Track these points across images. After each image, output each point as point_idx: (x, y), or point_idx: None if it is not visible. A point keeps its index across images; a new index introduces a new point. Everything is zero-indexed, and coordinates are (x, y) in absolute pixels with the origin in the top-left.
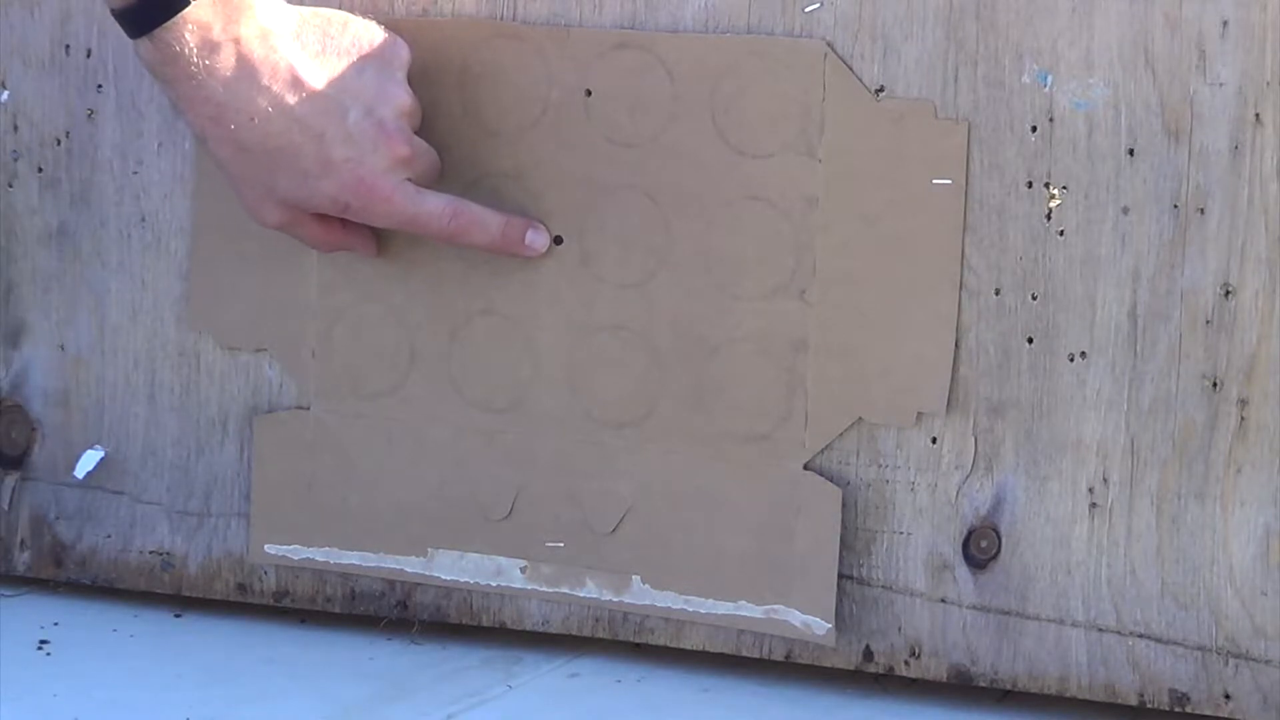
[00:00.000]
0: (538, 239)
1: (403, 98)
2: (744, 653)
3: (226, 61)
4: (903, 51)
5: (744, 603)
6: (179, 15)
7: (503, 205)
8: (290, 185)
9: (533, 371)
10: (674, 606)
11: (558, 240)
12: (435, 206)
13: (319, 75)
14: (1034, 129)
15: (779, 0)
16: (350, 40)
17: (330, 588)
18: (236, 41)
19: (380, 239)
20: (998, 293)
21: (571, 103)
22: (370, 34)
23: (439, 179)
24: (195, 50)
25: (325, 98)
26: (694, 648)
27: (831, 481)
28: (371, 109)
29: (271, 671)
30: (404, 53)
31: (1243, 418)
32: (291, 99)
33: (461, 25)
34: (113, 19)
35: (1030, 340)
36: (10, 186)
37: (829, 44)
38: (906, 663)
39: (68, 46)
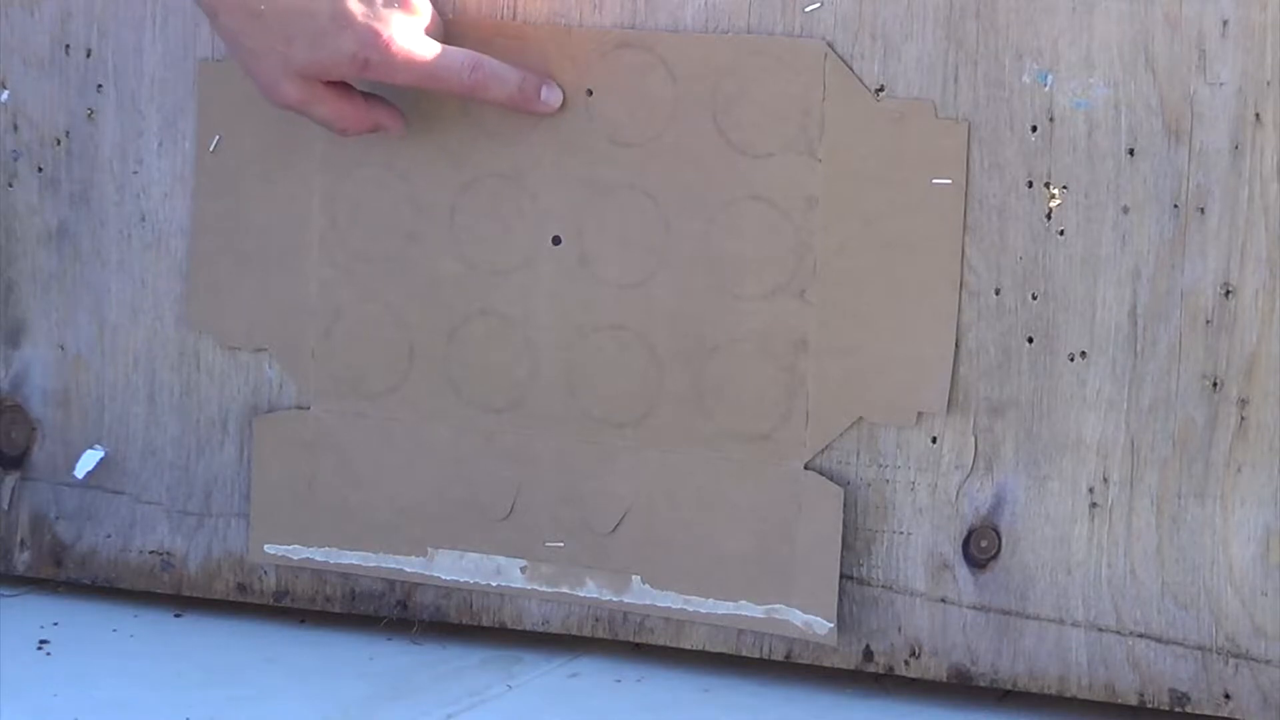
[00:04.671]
0: (552, 95)
1: None
2: (744, 653)
3: None
4: (903, 51)
5: (744, 602)
6: None
7: (502, 206)
8: (307, 48)
9: (532, 371)
10: (674, 606)
11: (557, 240)
12: (455, 59)
13: None
14: (1034, 129)
15: (779, 0)
16: None
17: (330, 588)
18: None
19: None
20: (998, 292)
21: (572, 102)
22: None
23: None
24: None
25: None
26: (694, 648)
27: (832, 481)
28: None
29: (271, 671)
30: None
31: (1243, 417)
32: None
33: (462, 25)
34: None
35: (1030, 340)
36: (10, 186)
37: (829, 44)
38: (906, 663)
39: (68, 46)
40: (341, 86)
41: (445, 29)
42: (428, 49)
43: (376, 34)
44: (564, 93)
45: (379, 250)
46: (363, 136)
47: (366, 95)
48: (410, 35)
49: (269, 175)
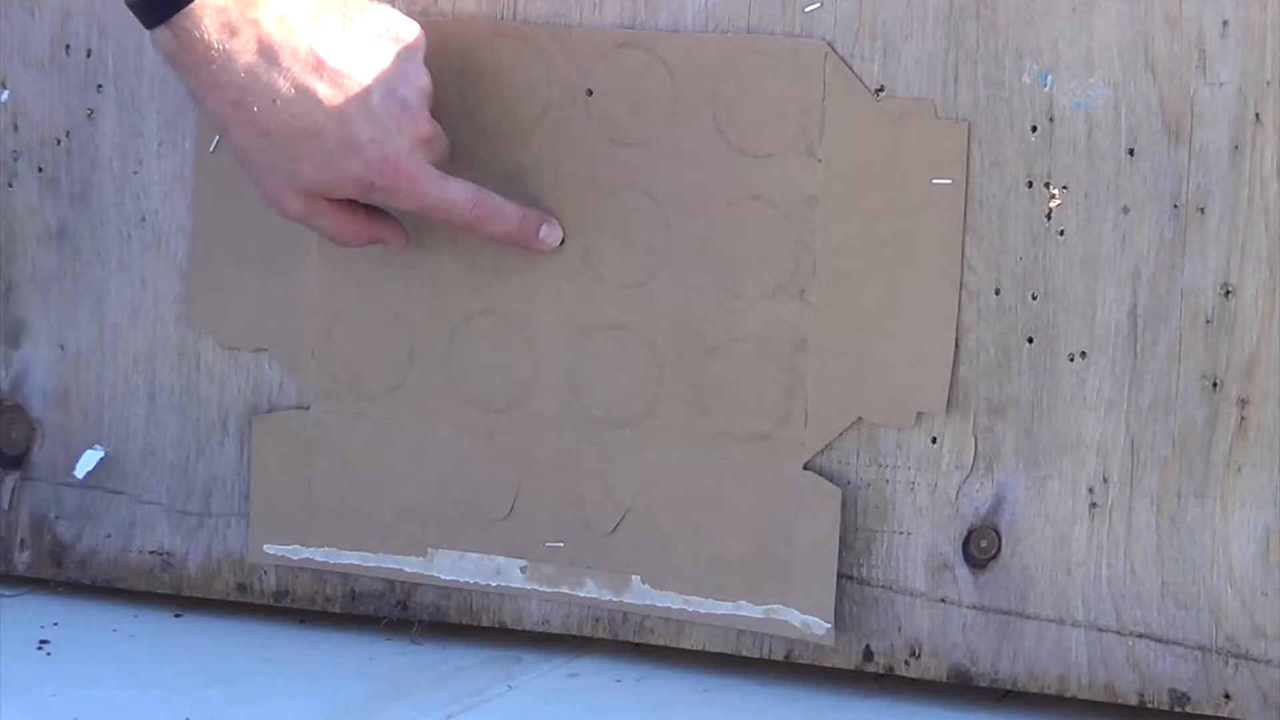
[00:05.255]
0: (552, 234)
1: (422, 78)
2: (744, 653)
3: (246, 45)
4: (903, 51)
5: (744, 603)
6: (197, 1)
7: None
8: (314, 170)
9: (533, 371)
10: (674, 606)
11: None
12: (459, 194)
13: (340, 56)
14: (1034, 129)
15: (779, 0)
16: (368, 22)
17: (330, 588)
18: (255, 24)
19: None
20: (998, 293)
21: (572, 102)
22: (387, 16)
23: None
24: (214, 35)
25: (347, 78)
26: (694, 648)
27: (831, 481)
28: (393, 89)
29: (271, 671)
30: (420, 35)
31: (1243, 417)
32: (313, 80)
33: (461, 25)
34: (125, 12)
35: (1030, 340)
36: (10, 186)
37: (829, 44)
38: (906, 663)
39: (68, 46)
40: (345, 202)
41: (443, 31)
42: (433, 180)
43: (384, 160)
44: (562, 231)
45: (379, 250)
46: None
47: (369, 210)
48: (417, 165)
49: None
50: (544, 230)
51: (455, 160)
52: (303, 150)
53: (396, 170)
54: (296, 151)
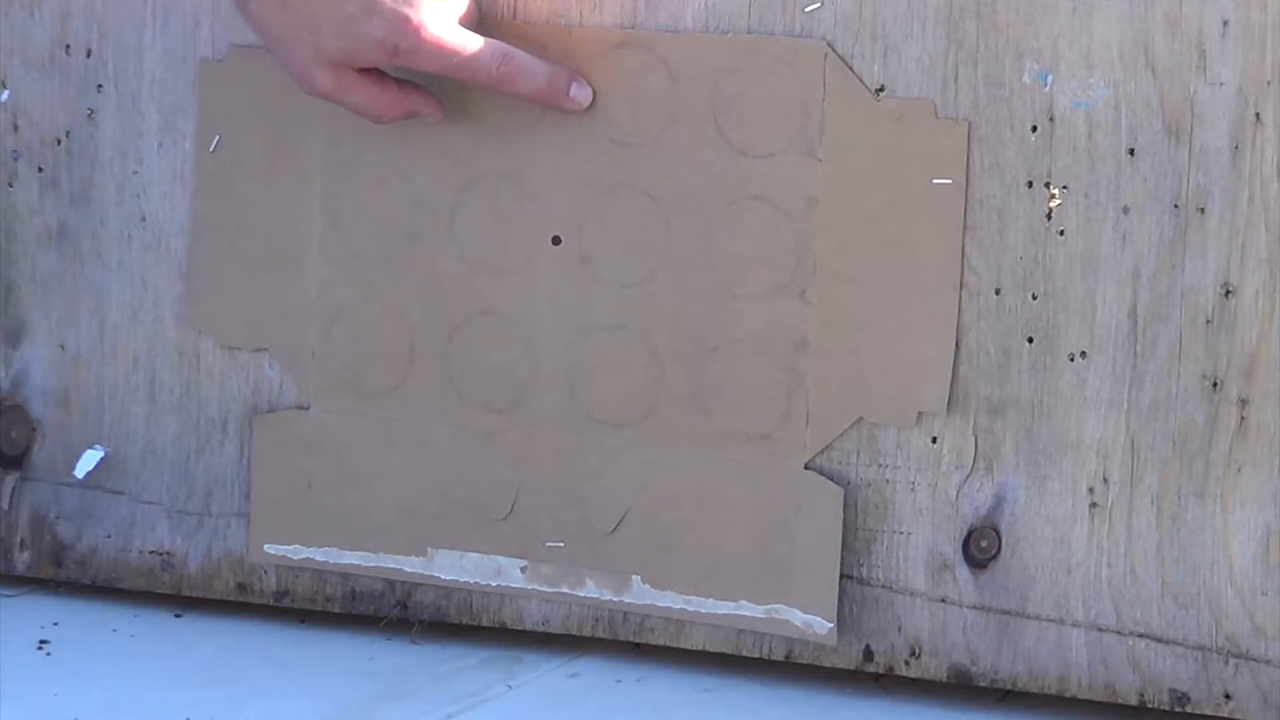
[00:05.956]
0: (582, 93)
1: None
2: (744, 653)
3: None
4: (903, 51)
5: (745, 602)
6: None
7: (502, 206)
8: (335, 35)
9: (532, 371)
10: (674, 606)
11: (557, 240)
12: (485, 50)
13: None
14: (1034, 129)
15: (779, 0)
16: None
17: (330, 588)
18: None
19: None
20: (998, 292)
21: None
22: None
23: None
24: None
25: None
26: (694, 648)
27: (832, 481)
28: None
29: (271, 671)
30: None
31: (1243, 417)
32: None
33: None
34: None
35: (1030, 340)
36: (10, 186)
37: (829, 44)
38: (906, 663)
39: (68, 46)
40: (374, 74)
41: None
42: (458, 38)
43: (405, 20)
44: (592, 92)
45: (379, 250)
46: (362, 138)
47: (400, 82)
48: (440, 23)
49: (269, 175)
50: (574, 89)
51: (455, 160)
52: (322, 17)
53: (419, 29)
54: (316, 19)
